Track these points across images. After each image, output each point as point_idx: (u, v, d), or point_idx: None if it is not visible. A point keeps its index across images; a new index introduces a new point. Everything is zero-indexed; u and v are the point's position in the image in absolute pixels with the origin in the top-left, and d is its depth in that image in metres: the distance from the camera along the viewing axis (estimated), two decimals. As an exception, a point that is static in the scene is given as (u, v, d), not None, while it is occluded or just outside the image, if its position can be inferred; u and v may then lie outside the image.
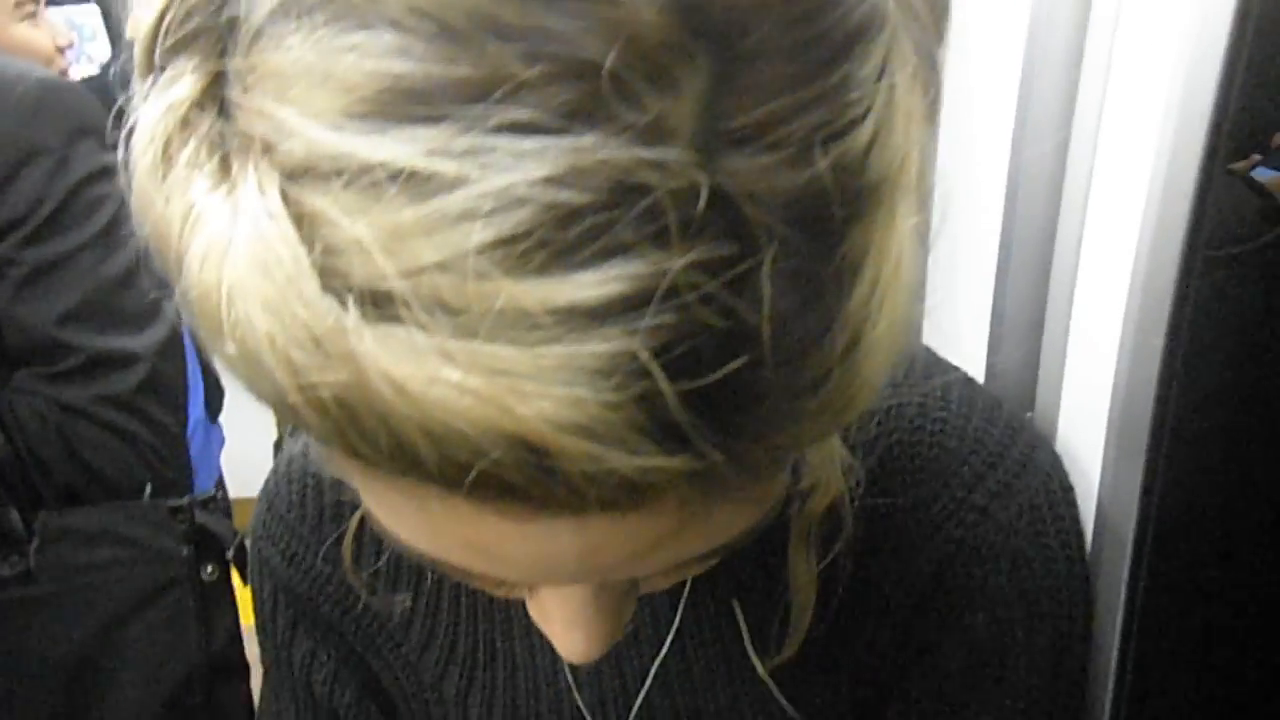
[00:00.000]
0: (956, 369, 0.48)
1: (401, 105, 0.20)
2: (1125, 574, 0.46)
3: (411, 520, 0.27)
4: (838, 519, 0.42)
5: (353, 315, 0.21)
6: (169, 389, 1.03)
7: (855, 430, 0.42)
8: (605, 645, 0.32)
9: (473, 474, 0.21)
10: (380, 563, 0.50)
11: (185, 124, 0.23)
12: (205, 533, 1.06)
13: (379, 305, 0.21)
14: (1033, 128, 0.51)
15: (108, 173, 0.94)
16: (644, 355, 0.20)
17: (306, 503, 0.50)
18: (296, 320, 0.21)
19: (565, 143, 0.20)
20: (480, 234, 0.20)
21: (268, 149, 0.22)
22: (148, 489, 1.02)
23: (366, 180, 0.20)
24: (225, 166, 0.22)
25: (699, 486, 0.23)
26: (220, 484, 1.30)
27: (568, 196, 0.20)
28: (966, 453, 0.43)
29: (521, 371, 0.20)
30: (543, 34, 0.20)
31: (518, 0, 0.20)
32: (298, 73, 0.21)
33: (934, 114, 0.26)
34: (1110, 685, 0.47)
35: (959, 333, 0.62)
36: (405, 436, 0.21)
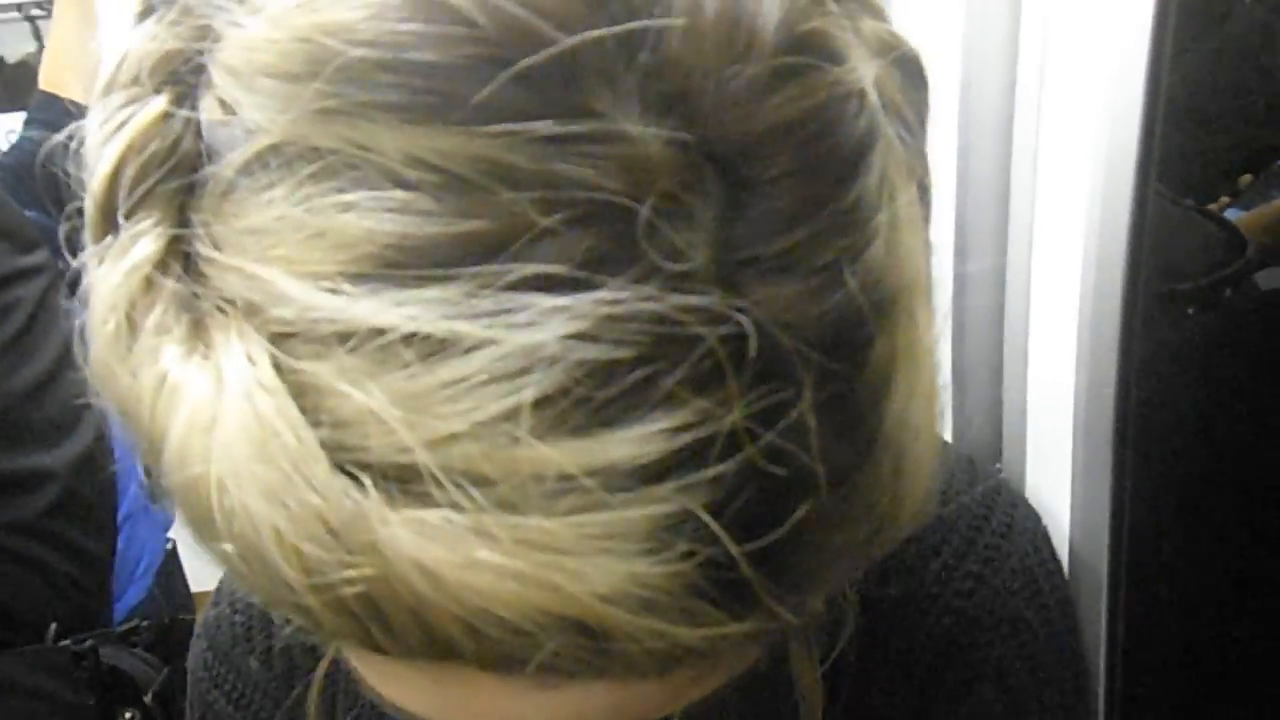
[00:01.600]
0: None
1: (409, 264, 0.20)
2: (1103, 617, 0.49)
3: (414, 688, 0.26)
4: (836, 612, 0.42)
5: (373, 497, 0.20)
6: (89, 508, 0.99)
7: None
8: None
9: (530, 665, 0.21)
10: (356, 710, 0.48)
11: (149, 287, 0.22)
12: (117, 676, 1.02)
13: (402, 483, 0.20)
14: (974, 180, 0.56)
15: (22, 276, 0.93)
16: (702, 514, 0.20)
17: (253, 635, 0.49)
18: (307, 509, 0.20)
19: (593, 295, 0.20)
20: (510, 398, 0.20)
21: (251, 313, 0.21)
22: (52, 630, 0.97)
23: (375, 345, 0.20)
24: (198, 331, 0.22)
25: (762, 640, 0.23)
26: (155, 599, 1.25)
27: (602, 351, 0.20)
28: (952, 518, 0.46)
29: (567, 545, 0.20)
30: (556, 179, 0.20)
31: (527, 145, 0.20)
32: (283, 230, 0.21)
33: (928, 208, 0.27)
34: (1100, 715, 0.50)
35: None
36: (440, 628, 0.20)
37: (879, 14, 0.26)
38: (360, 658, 0.27)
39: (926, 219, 0.27)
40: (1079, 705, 0.48)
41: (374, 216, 0.20)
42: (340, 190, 0.20)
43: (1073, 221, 0.49)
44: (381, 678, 0.27)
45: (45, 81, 1.86)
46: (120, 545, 1.09)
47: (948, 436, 0.59)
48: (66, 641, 0.97)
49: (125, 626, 1.04)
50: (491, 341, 0.20)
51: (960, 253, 0.59)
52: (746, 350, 0.20)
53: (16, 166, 1.20)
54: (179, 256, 0.23)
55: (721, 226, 0.21)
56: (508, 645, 0.21)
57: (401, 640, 0.21)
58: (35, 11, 2.36)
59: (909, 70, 0.27)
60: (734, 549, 0.21)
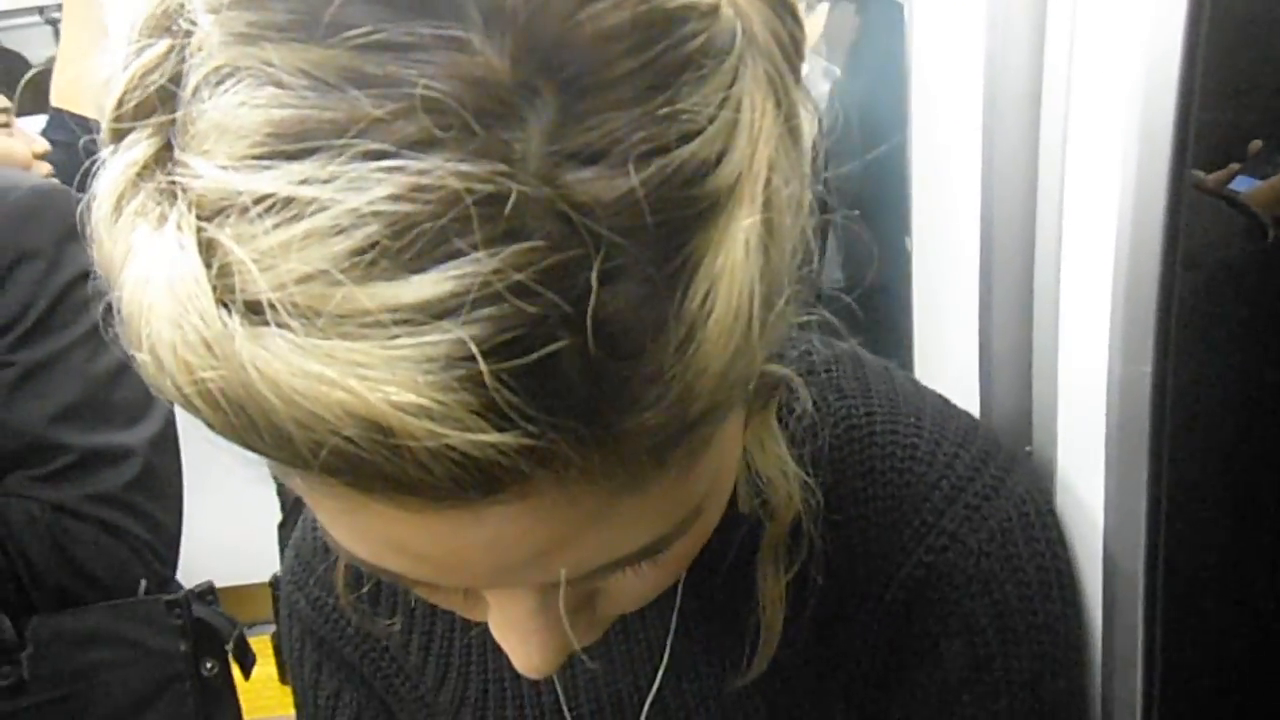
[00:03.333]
0: (936, 396, 0.48)
1: (280, 146, 0.24)
2: (1140, 607, 0.44)
3: (342, 525, 0.31)
4: (804, 538, 0.43)
5: (235, 322, 0.25)
6: (164, 483, 1.02)
7: (809, 446, 0.44)
8: (557, 657, 0.35)
9: (324, 451, 0.25)
10: (367, 587, 0.53)
11: (137, 180, 0.27)
12: (203, 627, 1.04)
13: (256, 313, 0.25)
14: (999, 162, 0.51)
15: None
16: (469, 342, 0.23)
17: (330, 549, 0.52)
18: (192, 329, 0.25)
19: (407, 165, 0.23)
20: (335, 248, 0.24)
21: (187, 194, 0.26)
22: (142, 585, 1.00)
23: (252, 211, 0.24)
24: (162, 215, 0.26)
25: (552, 469, 0.26)
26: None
27: (405, 209, 0.23)
28: (936, 478, 0.44)
29: (369, 363, 0.24)
30: (393, 79, 0.24)
31: (377, 54, 0.24)
32: (209, 130, 0.26)
33: (796, 137, 0.29)
34: (1138, 713, 0.45)
35: (949, 372, 0.61)
36: (281, 425, 0.25)
37: None
38: (305, 498, 0.32)
39: (788, 137, 0.29)
40: (1051, 677, 0.45)
41: (260, 111, 0.25)
42: (243, 94, 0.25)
43: (1104, 199, 0.44)
44: (325, 519, 0.32)
45: (57, 98, 1.87)
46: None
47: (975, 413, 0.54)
48: (159, 596, 0.99)
49: (200, 586, 1.05)
50: (326, 203, 0.24)
51: (987, 230, 0.54)
52: (517, 215, 0.24)
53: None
54: (163, 158, 0.27)
55: (552, 124, 0.24)
56: (324, 439, 0.24)
57: (258, 434, 0.26)
58: (56, 15, 2.30)
59: (775, 3, 0.29)
60: (484, 367, 0.24)
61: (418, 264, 0.24)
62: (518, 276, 0.24)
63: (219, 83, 0.26)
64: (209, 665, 1.05)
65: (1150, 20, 0.40)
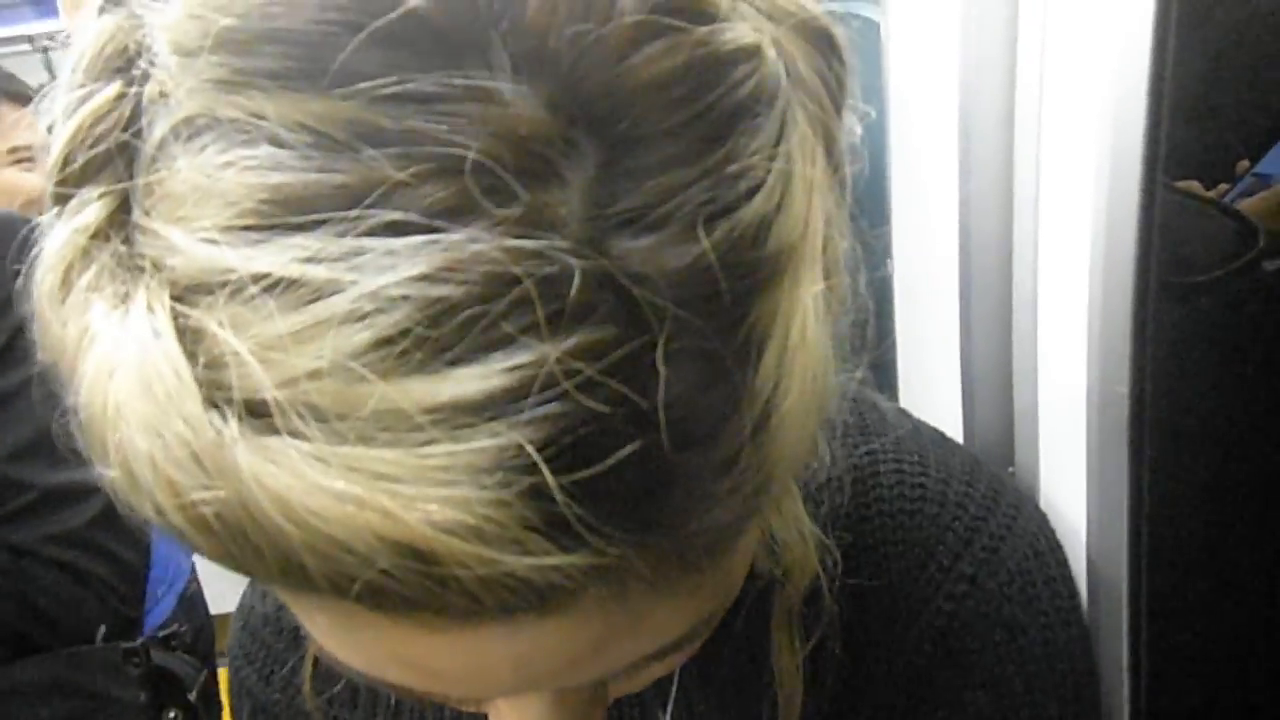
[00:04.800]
0: (932, 430, 0.48)
1: (279, 216, 0.21)
2: (1124, 622, 0.45)
3: (341, 638, 0.27)
4: (821, 603, 0.41)
5: (232, 429, 0.21)
6: (127, 520, 1.00)
7: (827, 504, 0.42)
8: None
9: (357, 585, 0.21)
10: (340, 686, 0.49)
11: (88, 250, 0.24)
12: (165, 675, 1.02)
13: (258, 417, 0.21)
14: (975, 183, 0.53)
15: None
16: (529, 448, 0.20)
17: (282, 617, 0.50)
18: (176, 438, 0.21)
19: (438, 240, 0.20)
20: (355, 338, 0.20)
21: (158, 268, 0.22)
22: (101, 631, 0.99)
23: (248, 291, 0.21)
24: (124, 289, 0.23)
25: (613, 583, 0.23)
26: (190, 605, 1.25)
27: (442, 293, 0.20)
28: (949, 519, 0.43)
29: (403, 475, 0.20)
30: (415, 136, 0.20)
31: (394, 105, 0.21)
32: (186, 192, 0.22)
33: (841, 184, 0.27)
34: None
35: (932, 395, 0.62)
36: (291, 551, 0.21)
37: None
38: (294, 607, 0.28)
39: (837, 185, 0.27)
40: (1075, 718, 0.44)
41: (253, 173, 0.21)
42: (229, 152, 0.22)
43: (1078, 216, 0.46)
44: (317, 630, 0.28)
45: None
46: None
47: (959, 439, 0.55)
48: (117, 642, 0.97)
49: (165, 631, 1.04)
50: (342, 284, 0.20)
51: (965, 252, 0.55)
52: (580, 295, 0.21)
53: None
54: (120, 223, 0.24)
55: (594, 183, 0.21)
56: (349, 569, 0.21)
57: (261, 561, 0.22)
58: (48, 44, 2.31)
59: (816, 38, 0.27)
60: (552, 480, 0.21)
61: (460, 355, 0.20)
62: (580, 365, 0.21)
63: (193, 136, 0.22)
64: (171, 715, 1.03)
65: (1119, 37, 0.42)
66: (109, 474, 0.23)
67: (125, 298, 0.22)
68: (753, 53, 0.24)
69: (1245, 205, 0.73)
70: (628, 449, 0.21)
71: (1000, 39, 0.53)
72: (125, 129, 0.24)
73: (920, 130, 0.64)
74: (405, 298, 0.20)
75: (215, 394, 0.21)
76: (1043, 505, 0.51)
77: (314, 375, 0.20)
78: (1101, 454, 0.45)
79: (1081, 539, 0.47)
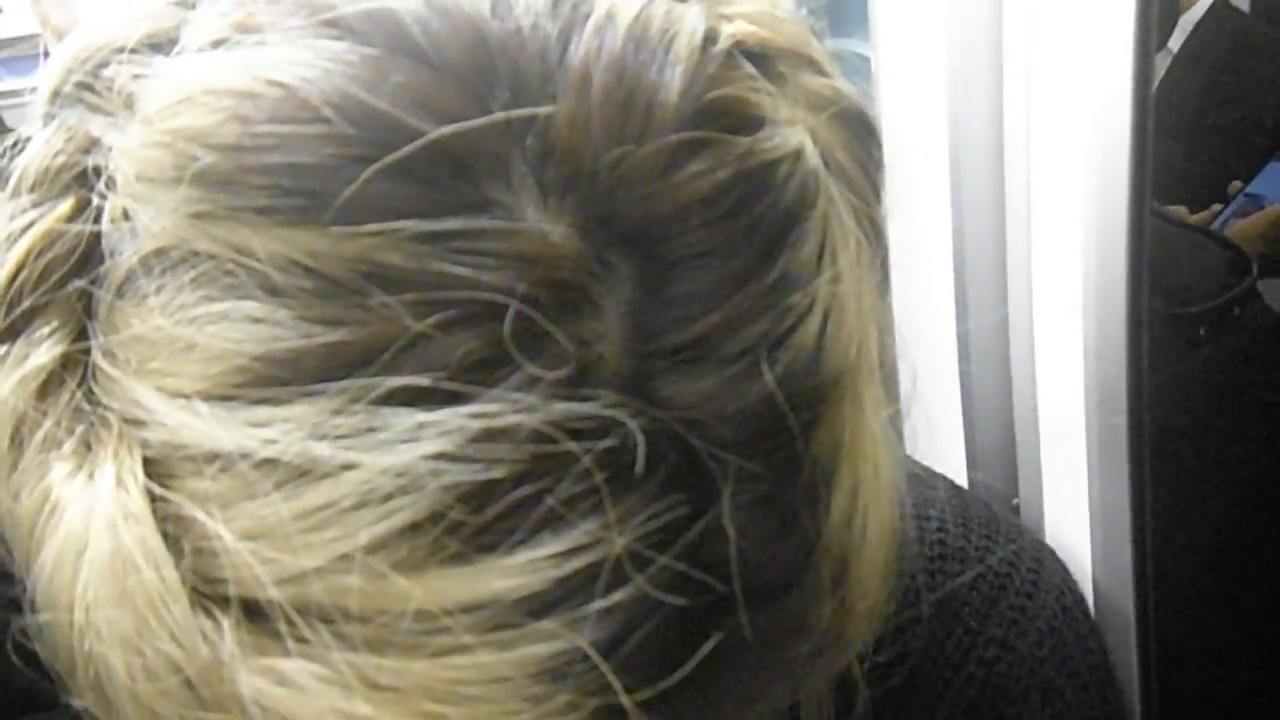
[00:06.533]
0: (945, 480, 0.47)
1: (275, 380, 0.18)
2: (1134, 660, 0.46)
3: None
4: (851, 686, 0.37)
5: (230, 642, 0.18)
6: None
7: None
8: None
9: None
10: None
11: (41, 398, 0.20)
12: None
13: (262, 622, 0.18)
14: (969, 215, 0.54)
15: None
16: (592, 652, 0.18)
17: None
18: (162, 658, 0.18)
19: (466, 409, 0.17)
20: (373, 528, 0.17)
21: (126, 433, 0.19)
22: None
23: (238, 470, 0.18)
24: (86, 448, 0.20)
25: None
26: None
27: (475, 472, 0.17)
28: (972, 578, 0.41)
29: (440, 692, 0.17)
30: (435, 278, 0.18)
31: (408, 243, 0.18)
32: (160, 342, 0.19)
33: (886, 281, 0.25)
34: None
35: (935, 432, 0.64)
36: None
37: (819, 68, 0.24)
38: None
39: (882, 280, 0.25)
40: None
41: (241, 329, 0.18)
42: (212, 299, 0.19)
43: (1070, 247, 0.47)
44: None
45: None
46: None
47: (962, 478, 0.57)
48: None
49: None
50: (353, 465, 0.17)
51: (960, 287, 0.57)
52: (640, 461, 0.18)
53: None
54: (77, 367, 0.21)
55: (633, 313, 0.19)
56: None
57: None
58: None
59: (854, 124, 0.25)
60: (626, 699, 0.18)
61: (499, 542, 0.17)
62: (644, 546, 0.18)
63: (166, 272, 0.19)
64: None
65: (1100, 74, 0.44)
66: (78, 703, 0.19)
67: (90, 461, 0.19)
68: (794, 152, 0.21)
69: (1237, 228, 0.74)
70: (709, 642, 0.18)
71: (986, 67, 0.55)
72: (82, 256, 0.21)
73: (912, 161, 0.65)
74: (432, 479, 0.17)
75: (205, 594, 0.18)
76: (1048, 538, 0.52)
77: (323, 571, 0.17)
78: (1103, 486, 0.46)
79: (1088, 571, 0.48)
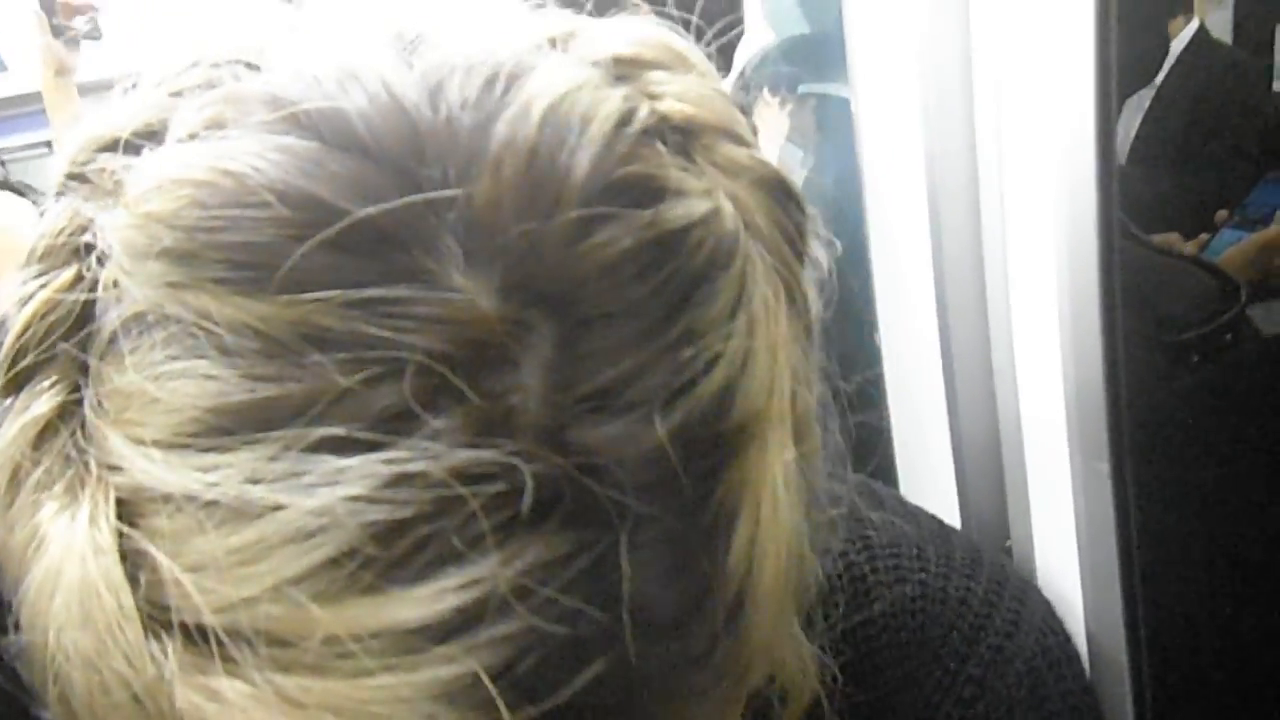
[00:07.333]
0: (930, 518, 0.47)
1: (221, 430, 0.20)
2: (1129, 699, 0.46)
3: None
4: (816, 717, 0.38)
5: (171, 663, 0.20)
6: None
7: (822, 615, 0.39)
8: None
9: None
10: None
11: (37, 445, 0.23)
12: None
13: (197, 645, 0.20)
14: (948, 247, 0.55)
15: None
16: (483, 676, 0.20)
17: None
18: (115, 676, 0.20)
19: (377, 456, 0.20)
20: (296, 561, 0.20)
21: (104, 476, 0.22)
22: None
23: (189, 510, 0.20)
24: (72, 488, 0.22)
25: None
26: None
27: (385, 513, 0.19)
28: (952, 617, 0.42)
29: (349, 708, 0.20)
30: (363, 340, 0.20)
31: (341, 307, 0.20)
32: (133, 395, 0.22)
33: (808, 328, 0.27)
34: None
35: (928, 475, 0.64)
36: None
37: (741, 139, 0.26)
38: None
39: (802, 334, 0.26)
40: None
41: (196, 384, 0.21)
42: (176, 357, 0.21)
43: (1045, 279, 0.48)
44: None
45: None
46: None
47: (955, 518, 0.57)
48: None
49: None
50: (281, 506, 0.20)
51: (944, 322, 0.57)
52: (530, 503, 0.20)
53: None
54: (71, 417, 0.23)
55: (548, 367, 0.21)
56: None
57: None
58: None
59: (774, 190, 0.27)
60: (501, 703, 0.20)
61: (408, 575, 0.20)
62: (535, 582, 0.20)
63: (141, 333, 0.22)
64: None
65: (1065, 122, 0.45)
66: (45, 716, 0.22)
67: (73, 501, 0.22)
68: (706, 219, 0.23)
69: (1226, 255, 0.74)
70: (594, 668, 0.20)
71: (958, 106, 0.56)
72: (79, 319, 0.24)
73: (894, 206, 0.66)
74: (348, 518, 0.19)
75: (155, 620, 0.21)
76: (1040, 583, 0.52)
77: (253, 601, 0.20)
78: (1090, 532, 0.46)
79: (1080, 616, 0.48)
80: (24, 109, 2.49)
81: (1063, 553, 0.49)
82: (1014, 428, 0.52)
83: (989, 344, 0.54)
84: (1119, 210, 0.45)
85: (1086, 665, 0.47)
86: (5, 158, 2.42)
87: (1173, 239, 0.79)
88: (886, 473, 0.68)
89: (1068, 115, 0.45)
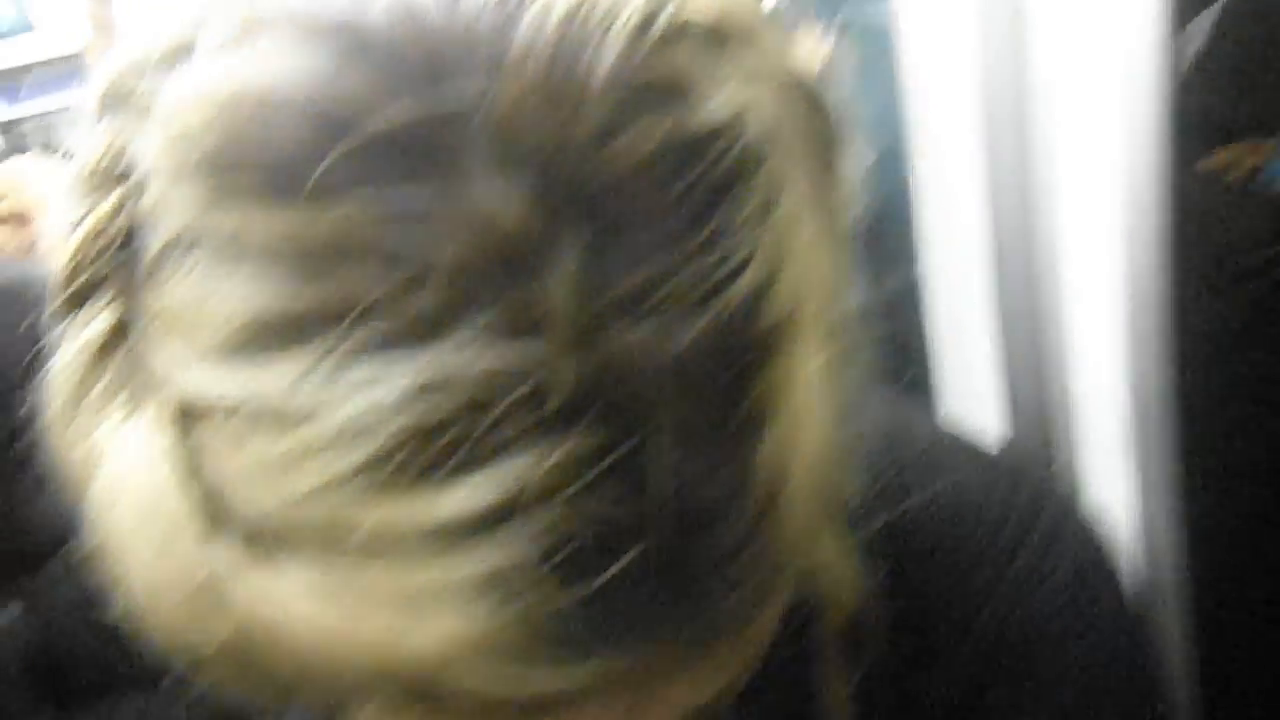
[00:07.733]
0: (970, 440, 0.47)
1: (267, 337, 0.22)
2: (1178, 629, 0.46)
3: None
4: (864, 629, 0.39)
5: (229, 559, 0.22)
6: None
7: (864, 524, 0.39)
8: None
9: (352, 705, 0.22)
10: None
11: (97, 361, 0.24)
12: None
13: (256, 542, 0.22)
14: (999, 179, 0.54)
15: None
16: (530, 563, 0.21)
17: None
18: (176, 574, 0.22)
19: (421, 356, 0.21)
20: (344, 460, 0.21)
21: (159, 387, 0.23)
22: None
23: (242, 415, 0.22)
24: (132, 400, 0.24)
25: (632, 681, 0.23)
26: None
27: (428, 410, 0.21)
28: (992, 532, 0.42)
29: (400, 597, 0.21)
30: (395, 248, 0.21)
31: (369, 216, 0.21)
32: (180, 310, 0.23)
33: (842, 235, 0.27)
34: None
35: (971, 403, 0.63)
36: (294, 681, 0.22)
37: (767, 43, 0.26)
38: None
39: (837, 240, 0.27)
40: None
41: (240, 294, 0.22)
42: (218, 271, 0.22)
43: (1104, 210, 0.47)
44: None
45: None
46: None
47: (996, 430, 0.56)
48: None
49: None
50: (329, 406, 0.21)
51: (995, 248, 0.56)
52: (568, 400, 0.21)
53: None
54: (129, 334, 0.24)
55: (579, 270, 0.21)
56: (348, 693, 0.22)
57: (266, 690, 0.23)
58: None
59: (803, 96, 0.27)
60: (557, 595, 0.21)
61: (451, 471, 0.21)
62: (572, 474, 0.21)
63: (184, 253, 0.23)
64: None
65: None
66: (116, 606, 0.23)
67: (134, 412, 0.23)
68: (733, 123, 0.24)
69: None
70: (629, 554, 0.21)
71: (1012, 40, 0.54)
72: (125, 241, 0.25)
73: (942, 131, 0.65)
74: (392, 417, 0.21)
75: (214, 521, 0.22)
76: (1086, 495, 0.52)
77: (306, 499, 0.21)
78: (1142, 446, 0.46)
79: (1128, 530, 0.47)
80: (52, 72, 2.48)
81: (1110, 467, 0.48)
82: (1063, 343, 0.51)
83: (1035, 253, 0.53)
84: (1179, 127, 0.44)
85: (1136, 574, 0.47)
86: (41, 123, 2.42)
87: (1237, 151, 0.76)
88: (924, 382, 0.67)
89: (1128, 29, 0.43)
